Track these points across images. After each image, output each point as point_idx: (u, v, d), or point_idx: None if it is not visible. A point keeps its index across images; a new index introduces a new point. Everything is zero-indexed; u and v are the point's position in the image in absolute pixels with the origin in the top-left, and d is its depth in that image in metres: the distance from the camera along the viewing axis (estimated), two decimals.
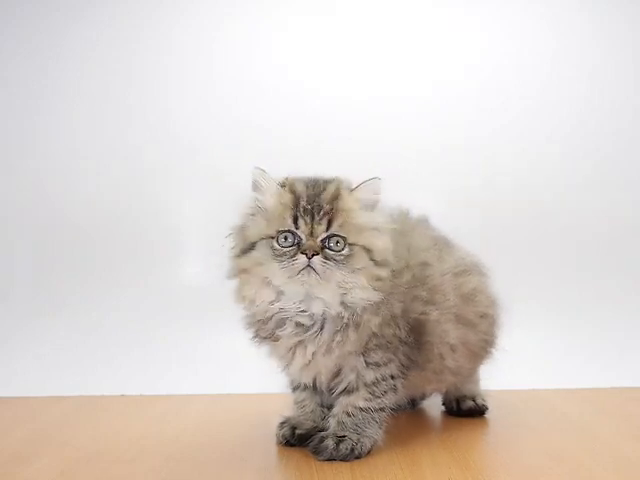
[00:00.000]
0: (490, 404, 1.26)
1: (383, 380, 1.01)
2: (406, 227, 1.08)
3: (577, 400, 1.34)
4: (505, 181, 1.92)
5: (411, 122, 1.94)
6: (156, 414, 1.30)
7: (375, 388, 1.01)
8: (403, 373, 1.02)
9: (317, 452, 0.99)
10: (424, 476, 0.92)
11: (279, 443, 1.07)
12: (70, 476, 0.96)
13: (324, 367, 1.01)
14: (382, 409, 1.02)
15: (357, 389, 1.01)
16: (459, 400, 1.26)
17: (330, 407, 1.06)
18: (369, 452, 1.00)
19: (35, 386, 1.49)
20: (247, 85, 1.96)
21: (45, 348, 1.72)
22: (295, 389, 1.11)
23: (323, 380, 1.04)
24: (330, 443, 0.99)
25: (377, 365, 1.00)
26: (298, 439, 1.05)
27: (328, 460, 0.98)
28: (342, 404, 1.02)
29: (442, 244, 1.14)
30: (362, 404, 1.01)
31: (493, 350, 1.20)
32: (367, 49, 1.97)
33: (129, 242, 1.91)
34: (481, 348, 1.17)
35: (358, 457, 0.99)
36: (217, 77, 1.97)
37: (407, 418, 1.19)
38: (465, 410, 1.24)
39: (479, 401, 1.25)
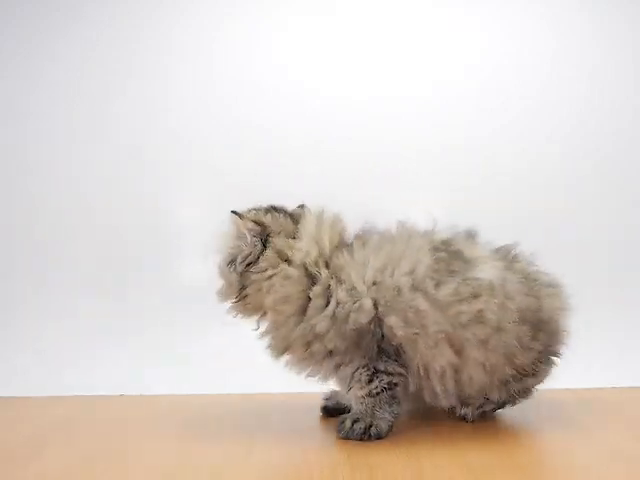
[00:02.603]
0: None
1: (357, 371, 1.08)
2: (397, 248, 1.08)
3: (577, 400, 1.34)
4: (505, 181, 1.92)
5: (411, 122, 1.94)
6: (155, 414, 1.30)
7: (357, 379, 1.09)
8: (375, 361, 1.08)
9: (338, 430, 1.10)
10: (424, 476, 0.92)
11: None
12: (70, 476, 0.96)
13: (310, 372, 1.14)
14: (384, 390, 1.08)
15: (350, 385, 1.10)
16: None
17: None
18: (387, 433, 1.09)
19: (35, 386, 1.49)
20: (247, 85, 1.96)
21: (45, 348, 1.72)
22: None
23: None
24: (348, 423, 1.09)
25: (339, 365, 1.09)
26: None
27: (346, 439, 1.08)
28: (352, 397, 1.12)
29: (454, 265, 1.08)
30: (360, 392, 1.09)
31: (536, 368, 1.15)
32: (367, 49, 1.97)
33: (129, 242, 1.91)
34: (501, 369, 1.10)
35: (378, 437, 1.07)
36: (217, 77, 1.97)
37: (407, 418, 1.19)
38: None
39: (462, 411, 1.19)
